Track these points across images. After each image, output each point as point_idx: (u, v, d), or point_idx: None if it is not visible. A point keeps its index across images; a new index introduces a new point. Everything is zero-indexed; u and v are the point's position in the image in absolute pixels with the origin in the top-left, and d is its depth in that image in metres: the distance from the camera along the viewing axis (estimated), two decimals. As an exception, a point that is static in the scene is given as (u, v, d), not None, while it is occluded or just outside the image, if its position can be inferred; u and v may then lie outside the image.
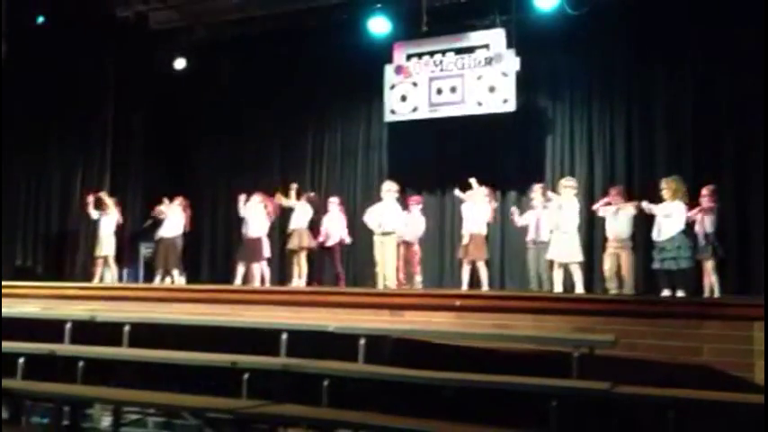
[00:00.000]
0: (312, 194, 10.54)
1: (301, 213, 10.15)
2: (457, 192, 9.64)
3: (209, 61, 11.93)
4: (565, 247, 8.49)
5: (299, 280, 9.90)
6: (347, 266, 10.63)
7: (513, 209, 9.69)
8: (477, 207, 9.28)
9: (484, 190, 9.40)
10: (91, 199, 10.52)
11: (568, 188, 8.70)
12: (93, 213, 10.48)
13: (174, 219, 10.32)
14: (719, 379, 5.18)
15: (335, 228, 10.22)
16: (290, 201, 10.21)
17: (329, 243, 10.14)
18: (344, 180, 11.92)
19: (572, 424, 4.78)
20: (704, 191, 8.20)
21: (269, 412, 5.20)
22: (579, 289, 8.32)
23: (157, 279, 10.16)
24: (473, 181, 9.33)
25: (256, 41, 11.64)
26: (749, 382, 5.14)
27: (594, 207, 8.93)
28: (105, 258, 10.33)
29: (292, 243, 10.03)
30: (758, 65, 9.02)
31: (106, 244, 10.35)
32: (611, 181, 9.75)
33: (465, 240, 9.18)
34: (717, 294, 7.79)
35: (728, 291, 8.25)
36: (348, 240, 10.33)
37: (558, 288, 8.37)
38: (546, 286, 8.75)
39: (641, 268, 8.88)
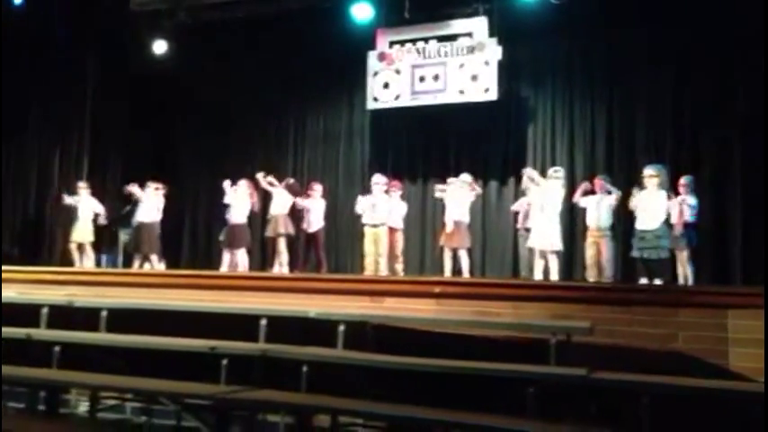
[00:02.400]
0: (292, 181, 10.49)
1: (281, 200, 10.11)
2: (437, 192, 9.61)
3: (191, 45, 11.80)
4: (545, 235, 8.52)
5: (279, 267, 9.87)
6: (328, 253, 10.60)
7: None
8: (459, 194, 9.30)
9: (466, 177, 9.41)
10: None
11: (555, 179, 8.73)
12: (68, 200, 10.38)
13: (150, 203, 10.24)
14: (694, 365, 5.24)
15: (318, 215, 10.19)
16: (272, 186, 10.16)
17: (312, 230, 10.11)
18: (326, 167, 11.89)
19: (549, 409, 4.82)
20: (682, 180, 8.27)
21: (247, 398, 5.18)
22: (555, 277, 8.37)
23: (136, 264, 10.09)
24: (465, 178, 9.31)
25: (239, 26, 11.53)
26: (723, 368, 5.20)
27: (575, 200, 8.94)
28: (82, 245, 10.24)
29: (271, 230, 10.00)
30: (739, 56, 9.11)
31: (83, 230, 10.25)
32: (591, 169, 9.81)
33: (449, 228, 9.19)
34: (691, 283, 7.86)
35: (704, 280, 8.35)
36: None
37: (538, 275, 8.42)
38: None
39: (620, 257, 8.96)
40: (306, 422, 5.21)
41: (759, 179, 9.02)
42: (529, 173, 9.14)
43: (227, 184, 10.12)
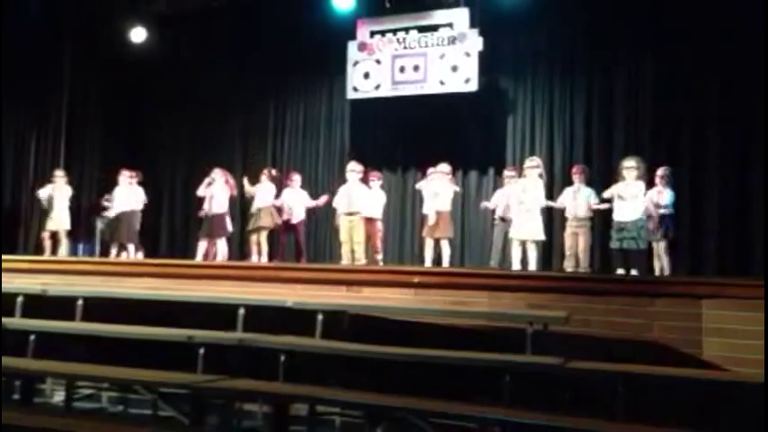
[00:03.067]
0: (274, 171, 10.42)
1: (265, 192, 10.05)
2: (418, 185, 9.64)
3: (170, 33, 11.70)
4: (527, 226, 8.54)
5: (258, 258, 9.83)
6: (307, 242, 10.57)
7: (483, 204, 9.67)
8: (439, 184, 9.31)
9: (444, 167, 9.42)
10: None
11: (532, 168, 8.76)
12: (42, 192, 10.28)
13: (126, 192, 10.15)
14: (668, 355, 5.30)
15: (299, 205, 10.15)
16: (253, 188, 10.09)
17: (294, 220, 10.06)
18: (306, 156, 11.85)
19: (525, 398, 4.86)
20: (659, 171, 8.33)
21: (224, 387, 5.17)
22: (533, 266, 8.42)
23: (113, 253, 10.01)
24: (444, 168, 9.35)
25: (218, 14, 11.45)
26: (697, 358, 5.27)
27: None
28: (56, 233, 10.14)
29: (255, 222, 9.92)
30: (717, 49, 9.19)
31: (59, 218, 10.16)
32: (570, 160, 9.86)
33: (432, 219, 9.17)
34: (666, 273, 7.94)
35: (680, 271, 8.44)
36: (319, 202, 10.14)
37: (516, 265, 8.45)
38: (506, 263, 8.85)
39: (597, 247, 9.03)
40: (283, 411, 5.21)
41: (735, 171, 9.15)
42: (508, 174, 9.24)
43: (206, 181, 9.95)
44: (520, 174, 9.07)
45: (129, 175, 10.20)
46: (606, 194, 8.36)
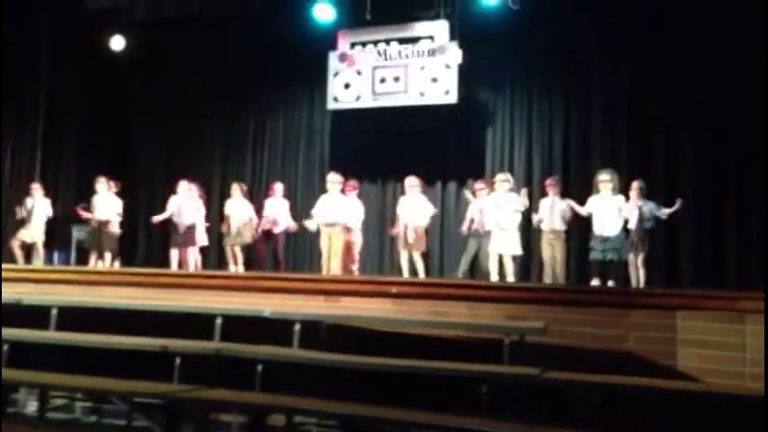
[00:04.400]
0: (243, 185, 10.39)
1: (241, 209, 10.02)
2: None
3: (149, 42, 11.64)
4: (503, 242, 8.60)
5: (235, 267, 9.80)
6: (286, 252, 10.54)
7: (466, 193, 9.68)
8: (418, 200, 9.35)
9: (412, 180, 9.44)
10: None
11: (503, 182, 8.83)
12: (27, 203, 10.18)
13: (104, 201, 10.07)
14: (644, 365, 5.34)
15: (282, 215, 10.10)
16: (230, 205, 10.08)
17: (277, 230, 10.02)
18: (286, 167, 11.84)
19: (502, 408, 4.87)
20: (634, 184, 8.40)
21: (200, 397, 5.13)
22: (510, 279, 8.47)
23: (91, 262, 9.91)
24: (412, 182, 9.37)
25: (198, 24, 11.39)
26: (671, 368, 5.31)
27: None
28: (31, 244, 10.03)
29: (236, 239, 9.90)
30: (693, 60, 9.34)
31: (34, 230, 10.05)
32: (548, 172, 9.95)
33: (408, 233, 9.19)
34: (642, 285, 7.99)
35: (655, 283, 8.51)
36: (294, 226, 10.20)
37: (494, 278, 8.49)
38: (478, 274, 8.88)
39: (573, 258, 9.10)
40: (260, 421, 5.18)
41: (709, 183, 9.27)
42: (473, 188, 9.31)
43: (172, 198, 10.01)
44: (491, 187, 9.13)
45: (107, 183, 10.13)
46: (584, 211, 8.43)
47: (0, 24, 10.26)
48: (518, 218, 8.74)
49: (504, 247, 8.60)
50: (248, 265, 10.03)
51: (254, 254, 10.24)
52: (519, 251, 8.72)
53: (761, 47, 8.49)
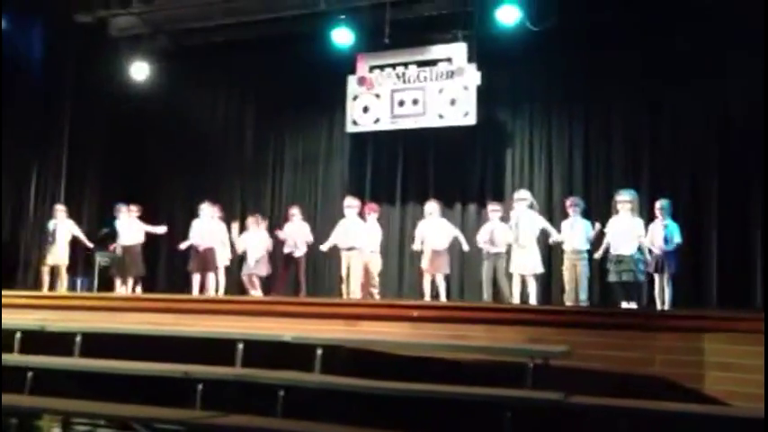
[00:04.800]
0: (260, 217, 10.44)
1: (257, 241, 10.07)
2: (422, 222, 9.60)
3: (170, 69, 11.80)
4: (523, 261, 8.57)
5: (254, 292, 9.82)
6: (306, 276, 10.53)
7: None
8: (438, 222, 9.32)
9: (431, 205, 9.41)
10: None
11: (520, 201, 8.79)
12: (50, 225, 10.29)
13: (127, 226, 10.16)
14: (670, 389, 5.24)
15: (302, 238, 10.11)
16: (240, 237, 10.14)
17: (297, 254, 10.04)
18: (305, 190, 11.87)
19: (526, 434, 4.80)
20: (658, 204, 8.34)
21: (222, 423, 5.11)
22: (533, 299, 8.39)
23: (117, 287, 9.97)
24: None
25: (219, 50, 11.55)
26: (699, 392, 5.21)
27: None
28: (56, 268, 10.12)
29: (249, 270, 9.97)
30: (716, 78, 9.27)
31: (59, 253, 10.15)
32: (569, 193, 9.87)
33: (427, 256, 9.18)
34: (668, 307, 7.90)
35: (681, 303, 8.40)
36: (311, 240, 10.17)
37: (516, 299, 8.43)
38: (501, 297, 8.80)
39: (596, 280, 9.00)
40: (281, 448, 5.14)
41: (735, 202, 9.16)
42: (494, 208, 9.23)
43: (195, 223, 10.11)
44: (506, 207, 9.07)
45: (128, 209, 10.23)
46: (607, 230, 8.37)
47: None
48: (535, 234, 8.66)
49: (524, 266, 8.54)
50: (267, 290, 10.04)
51: (276, 279, 10.25)
52: (540, 269, 8.65)
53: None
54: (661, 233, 8.17)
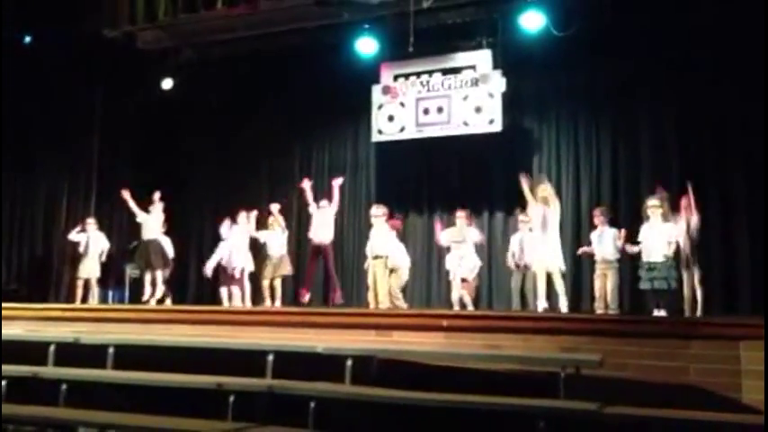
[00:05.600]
0: (281, 219, 10.25)
1: (279, 240, 10.05)
2: (443, 238, 9.53)
3: (197, 81, 11.91)
4: (544, 253, 8.37)
5: (272, 302, 9.80)
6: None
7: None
8: (463, 250, 9.24)
9: (468, 228, 9.34)
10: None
11: (546, 195, 8.63)
12: (77, 237, 10.40)
13: (154, 220, 10.17)
14: (707, 399, 5.17)
15: (328, 225, 9.93)
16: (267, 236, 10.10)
17: (325, 242, 9.84)
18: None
19: (560, 445, 4.76)
20: (683, 201, 8.16)
21: (255, 435, 5.14)
22: (561, 300, 8.29)
23: (145, 287, 9.97)
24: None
25: (244, 62, 11.65)
26: (736, 401, 5.13)
27: (579, 252, 8.97)
28: (88, 281, 10.23)
29: (275, 271, 9.91)
30: (737, 84, 9.15)
31: (90, 266, 10.26)
32: (597, 200, 9.80)
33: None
34: (700, 309, 7.74)
35: (714, 310, 8.28)
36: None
37: (542, 301, 8.27)
38: (530, 307, 8.74)
39: (627, 288, 8.91)
40: (314, 459, 5.15)
41: (764, 207, 9.00)
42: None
43: (225, 223, 10.08)
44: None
45: (158, 199, 10.22)
46: (640, 237, 8.26)
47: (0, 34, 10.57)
48: (556, 227, 8.54)
49: (544, 262, 8.33)
50: (295, 290, 10.05)
51: (305, 272, 10.21)
52: (562, 264, 8.46)
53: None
54: (684, 227, 7.97)
